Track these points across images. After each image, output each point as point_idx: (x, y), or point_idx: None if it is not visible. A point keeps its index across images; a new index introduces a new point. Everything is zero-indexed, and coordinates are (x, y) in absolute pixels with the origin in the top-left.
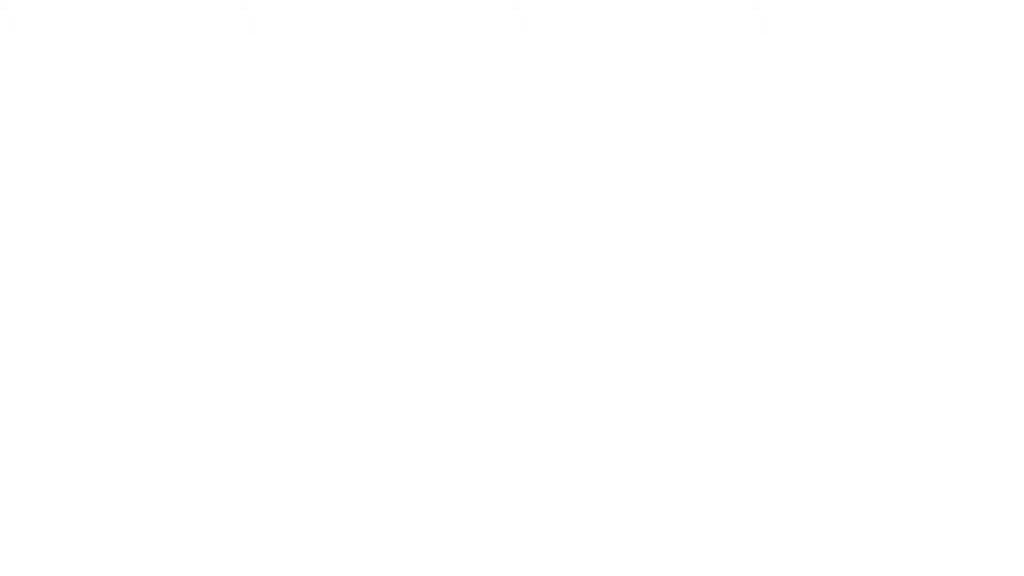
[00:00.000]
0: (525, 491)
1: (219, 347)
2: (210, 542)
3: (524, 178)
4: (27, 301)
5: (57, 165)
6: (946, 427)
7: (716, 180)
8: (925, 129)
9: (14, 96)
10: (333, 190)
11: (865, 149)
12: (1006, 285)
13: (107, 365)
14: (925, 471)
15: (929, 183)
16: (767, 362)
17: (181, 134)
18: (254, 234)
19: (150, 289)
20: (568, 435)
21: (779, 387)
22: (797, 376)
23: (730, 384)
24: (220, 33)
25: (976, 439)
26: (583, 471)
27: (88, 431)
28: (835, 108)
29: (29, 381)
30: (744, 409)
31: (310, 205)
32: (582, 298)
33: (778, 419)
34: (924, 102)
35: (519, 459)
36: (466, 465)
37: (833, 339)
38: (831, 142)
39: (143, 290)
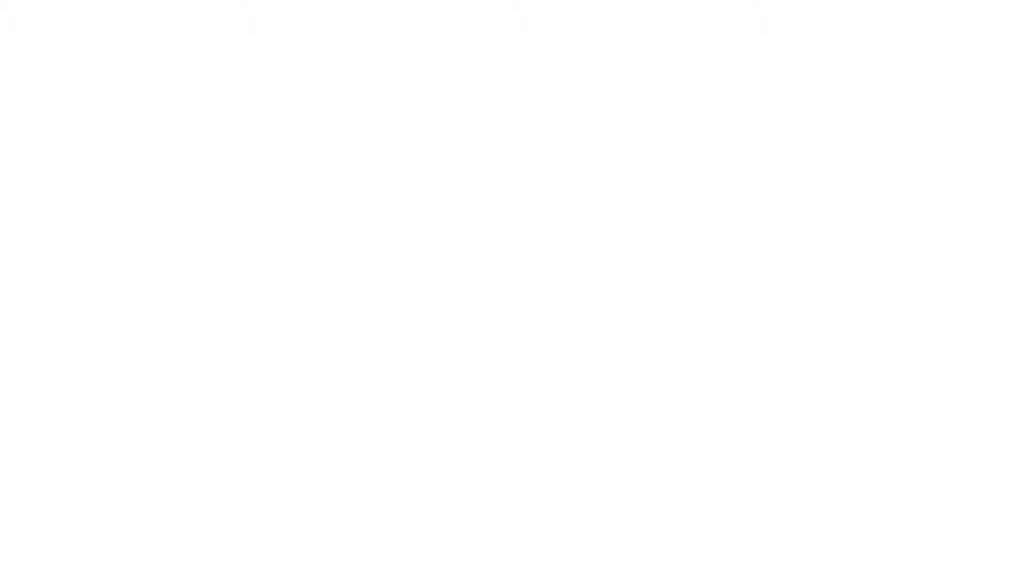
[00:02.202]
0: (525, 490)
1: (218, 345)
2: (210, 542)
3: (524, 178)
4: (27, 300)
5: (57, 165)
6: (946, 427)
7: (716, 180)
8: (925, 129)
9: (14, 96)
10: (333, 190)
11: (865, 149)
12: (1006, 284)
13: (106, 363)
14: (925, 470)
15: (929, 182)
16: (767, 360)
17: (181, 134)
18: (254, 233)
19: (150, 288)
20: (568, 434)
21: (779, 385)
22: (797, 374)
23: (730, 383)
24: (220, 33)
25: (976, 439)
26: (583, 470)
27: (88, 430)
28: (835, 108)
29: (29, 380)
30: (744, 408)
31: (310, 204)
32: (582, 297)
33: (778, 418)
34: (924, 102)
35: (519, 458)
36: (466, 464)
37: (832, 338)
38: (831, 142)
39: (143, 289)
